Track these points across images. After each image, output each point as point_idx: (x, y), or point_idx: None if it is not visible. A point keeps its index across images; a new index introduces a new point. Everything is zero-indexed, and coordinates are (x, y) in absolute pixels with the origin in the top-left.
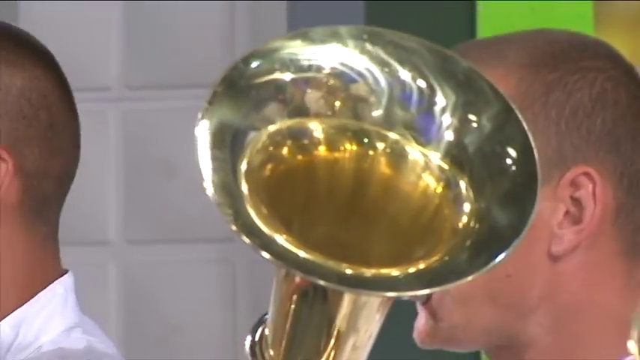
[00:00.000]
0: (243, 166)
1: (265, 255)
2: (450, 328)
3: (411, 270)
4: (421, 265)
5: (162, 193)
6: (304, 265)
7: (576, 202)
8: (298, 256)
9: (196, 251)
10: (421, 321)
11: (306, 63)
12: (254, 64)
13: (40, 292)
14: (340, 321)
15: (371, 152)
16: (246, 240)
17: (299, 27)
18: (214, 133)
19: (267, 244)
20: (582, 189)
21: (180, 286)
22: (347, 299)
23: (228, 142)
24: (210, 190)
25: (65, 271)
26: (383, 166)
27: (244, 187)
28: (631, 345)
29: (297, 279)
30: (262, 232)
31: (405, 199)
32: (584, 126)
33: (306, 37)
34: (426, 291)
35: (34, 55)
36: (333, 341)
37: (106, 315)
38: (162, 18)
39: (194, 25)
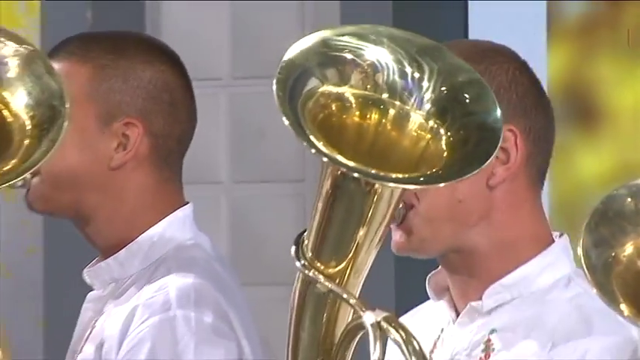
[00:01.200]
0: (300, 107)
1: (325, 159)
2: (420, 241)
3: (417, 174)
4: (422, 175)
5: (257, 148)
6: (348, 166)
7: (504, 150)
8: (344, 162)
9: (280, 188)
10: (397, 237)
11: (360, 52)
12: (348, 36)
13: (166, 216)
14: (365, 211)
15: (384, 112)
16: (313, 151)
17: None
18: (286, 66)
19: (324, 154)
20: (507, 141)
21: (269, 211)
22: (370, 193)
23: (291, 79)
24: (287, 122)
25: (186, 202)
26: (392, 120)
27: (303, 121)
28: (579, 250)
29: (329, 184)
30: (320, 148)
31: (405, 140)
32: (505, 99)
33: (361, 34)
34: (430, 186)
35: (162, 55)
36: (360, 231)
37: (218, 234)
38: (257, 26)
39: (278, 33)
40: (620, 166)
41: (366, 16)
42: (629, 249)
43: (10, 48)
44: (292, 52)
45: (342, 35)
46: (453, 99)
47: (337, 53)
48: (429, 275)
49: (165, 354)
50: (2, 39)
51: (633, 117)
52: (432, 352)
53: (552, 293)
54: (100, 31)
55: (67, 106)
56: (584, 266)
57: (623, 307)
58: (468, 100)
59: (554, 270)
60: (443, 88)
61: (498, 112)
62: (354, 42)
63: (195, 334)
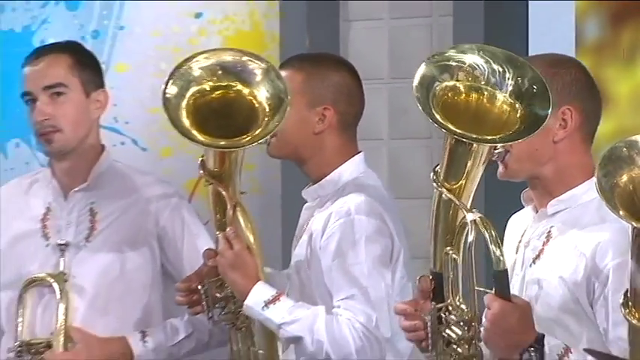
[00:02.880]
0: (430, 95)
1: (448, 131)
2: (512, 171)
3: (501, 136)
4: (512, 133)
5: (403, 119)
6: (459, 134)
7: (564, 120)
8: (455, 130)
9: (417, 142)
10: (500, 169)
11: (466, 61)
12: (453, 51)
13: (350, 159)
14: (469, 162)
15: (480, 94)
16: (431, 121)
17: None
18: (423, 74)
19: (443, 125)
20: (565, 115)
21: (411, 157)
22: (470, 150)
23: (425, 85)
24: (419, 106)
25: (360, 151)
26: (484, 99)
27: (431, 104)
28: (595, 180)
29: (448, 138)
30: (441, 122)
31: (492, 111)
32: (566, 90)
33: (484, 50)
34: (508, 142)
35: (343, 65)
36: (469, 164)
37: (380, 172)
38: (404, 45)
39: (417, 48)
40: (619, 129)
41: (470, 39)
42: (624, 178)
43: (255, 65)
44: (422, 68)
45: (453, 52)
46: (523, 90)
47: (446, 62)
48: (523, 191)
49: (347, 241)
50: (251, 59)
51: (627, 101)
52: (520, 239)
53: (588, 205)
54: (308, 53)
55: (289, 97)
56: (597, 189)
57: (621, 212)
58: (531, 92)
59: (592, 192)
60: (518, 83)
61: (549, 102)
62: (456, 54)
63: (365, 230)
